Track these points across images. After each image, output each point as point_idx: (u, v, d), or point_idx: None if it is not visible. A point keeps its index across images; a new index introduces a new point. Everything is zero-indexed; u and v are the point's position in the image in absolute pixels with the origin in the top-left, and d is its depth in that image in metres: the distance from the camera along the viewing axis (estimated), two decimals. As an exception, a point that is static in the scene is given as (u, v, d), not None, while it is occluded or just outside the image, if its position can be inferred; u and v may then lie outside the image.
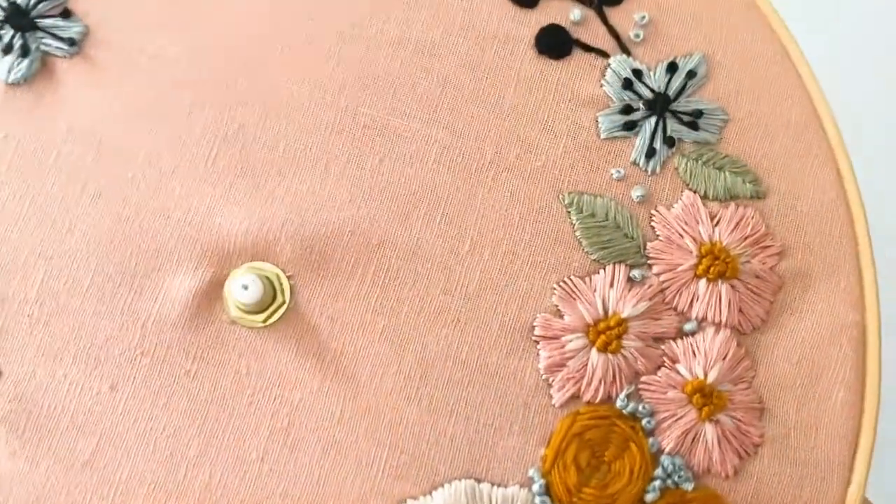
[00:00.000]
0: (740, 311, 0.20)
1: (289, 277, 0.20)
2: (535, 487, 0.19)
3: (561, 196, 0.20)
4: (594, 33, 0.22)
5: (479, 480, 0.19)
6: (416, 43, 0.21)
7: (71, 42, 0.20)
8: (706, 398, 0.19)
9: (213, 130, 0.20)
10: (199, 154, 0.20)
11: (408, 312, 0.20)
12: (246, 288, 0.18)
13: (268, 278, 0.19)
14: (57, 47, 0.20)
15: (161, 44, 0.20)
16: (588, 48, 0.21)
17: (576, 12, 0.21)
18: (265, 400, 0.19)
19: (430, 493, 0.19)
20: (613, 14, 0.22)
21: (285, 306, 0.19)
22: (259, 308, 0.19)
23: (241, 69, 0.21)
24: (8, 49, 0.20)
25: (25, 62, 0.20)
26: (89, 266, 0.19)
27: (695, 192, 0.21)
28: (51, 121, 0.20)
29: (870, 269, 0.21)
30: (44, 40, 0.20)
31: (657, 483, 0.19)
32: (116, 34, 0.20)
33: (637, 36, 0.21)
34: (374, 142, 0.20)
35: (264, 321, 0.19)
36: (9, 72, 0.20)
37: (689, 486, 0.19)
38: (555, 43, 0.21)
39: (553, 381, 0.19)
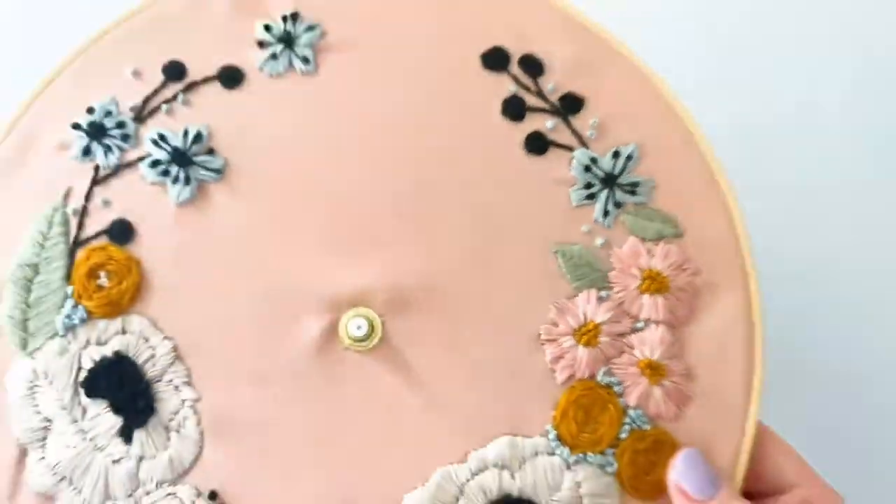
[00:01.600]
0: (671, 312, 0.32)
1: (381, 317, 0.31)
2: (551, 436, 0.30)
3: (551, 246, 0.32)
4: (563, 134, 0.33)
5: (515, 435, 0.30)
6: (447, 152, 0.32)
7: (217, 171, 0.31)
8: (653, 370, 0.31)
9: (324, 231, 0.31)
10: (318, 247, 0.31)
11: (461, 332, 0.31)
12: (359, 328, 0.29)
13: (368, 318, 0.30)
14: (207, 175, 0.31)
15: (281, 179, 0.31)
16: (559, 146, 0.33)
17: (549, 122, 0.33)
18: (373, 400, 0.30)
19: (486, 445, 0.30)
20: (574, 120, 0.33)
21: (378, 337, 0.31)
22: (364, 339, 0.30)
23: (323, 197, 0.32)
24: (175, 180, 0.31)
25: (188, 189, 0.31)
26: (252, 319, 0.30)
27: (636, 237, 0.32)
28: (208, 228, 0.31)
29: (752, 276, 0.33)
30: (199, 171, 0.31)
31: (626, 427, 0.31)
32: (247, 167, 0.31)
33: (591, 134, 0.33)
34: (425, 223, 0.32)
35: (368, 347, 0.30)
36: (178, 197, 0.31)
37: (647, 427, 0.31)
38: (538, 144, 0.33)
39: (556, 368, 0.31)
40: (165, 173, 0.31)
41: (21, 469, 0.30)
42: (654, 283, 0.32)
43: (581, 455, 0.31)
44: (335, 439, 0.30)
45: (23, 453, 0.30)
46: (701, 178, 0.33)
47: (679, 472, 0.30)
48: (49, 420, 0.30)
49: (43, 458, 0.30)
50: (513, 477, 0.30)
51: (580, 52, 0.34)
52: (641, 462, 0.31)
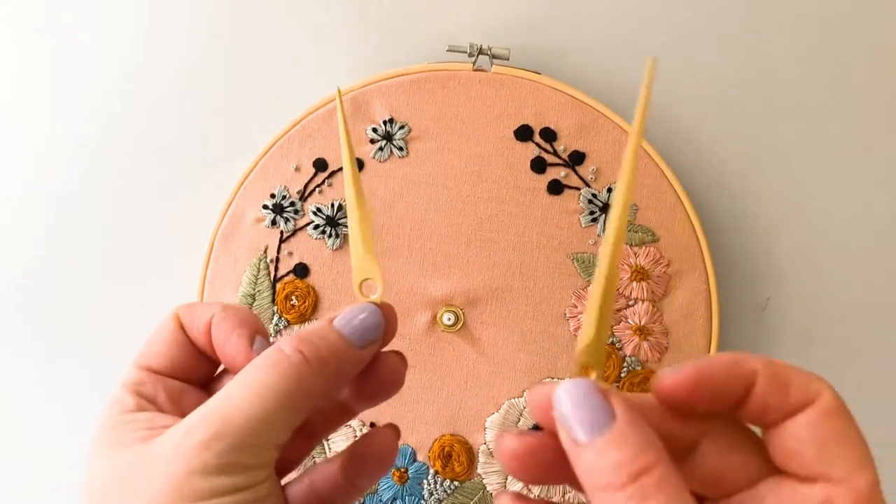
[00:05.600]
0: (652, 292, 0.51)
1: (462, 310, 0.52)
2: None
3: (569, 255, 0.52)
4: (573, 179, 0.53)
5: (553, 378, 0.51)
6: (496, 198, 0.52)
7: (354, 227, 0.53)
8: (641, 331, 0.51)
9: (423, 258, 0.52)
10: (421, 269, 0.52)
11: (513, 315, 0.51)
12: (449, 318, 0.50)
13: (454, 312, 0.51)
14: (348, 231, 0.53)
15: (394, 227, 0.53)
16: (571, 187, 0.52)
17: (563, 172, 0.52)
18: (461, 361, 0.51)
19: (534, 386, 0.51)
20: (580, 169, 0.53)
21: (461, 324, 0.52)
22: (452, 325, 0.51)
23: (420, 235, 0.53)
24: (329, 236, 0.52)
25: (338, 240, 0.53)
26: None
27: (626, 244, 0.52)
28: (352, 261, 0.53)
29: (709, 263, 0.51)
30: (343, 229, 0.53)
31: (625, 368, 0.51)
32: (373, 221, 0.53)
33: (592, 178, 0.52)
34: (485, 246, 0.52)
35: (455, 330, 0.52)
36: (332, 246, 0.53)
37: (638, 367, 0.51)
38: (556, 188, 0.52)
39: (577, 334, 0.51)
40: (323, 232, 0.53)
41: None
42: (640, 274, 0.51)
43: (596, 388, 0.51)
44: (440, 385, 0.52)
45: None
46: (669, 200, 0.52)
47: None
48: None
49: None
50: (553, 404, 0.51)
51: (580, 121, 0.53)
52: (636, 390, 0.51)
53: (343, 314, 0.30)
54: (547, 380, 0.52)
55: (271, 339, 0.32)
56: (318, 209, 0.54)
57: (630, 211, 0.52)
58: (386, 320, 0.30)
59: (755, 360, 0.26)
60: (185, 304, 0.32)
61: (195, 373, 0.32)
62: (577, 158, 0.53)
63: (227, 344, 0.30)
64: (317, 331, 0.29)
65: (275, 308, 0.53)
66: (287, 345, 0.28)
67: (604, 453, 0.23)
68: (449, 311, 0.52)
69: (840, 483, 0.24)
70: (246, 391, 0.26)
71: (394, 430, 0.32)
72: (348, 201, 0.31)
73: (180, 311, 0.31)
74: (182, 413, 0.29)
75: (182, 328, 0.31)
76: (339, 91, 0.37)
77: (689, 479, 0.27)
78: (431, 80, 0.55)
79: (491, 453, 0.52)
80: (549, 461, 0.26)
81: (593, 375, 0.27)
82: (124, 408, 0.30)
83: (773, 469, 0.26)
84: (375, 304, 0.30)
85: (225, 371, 0.33)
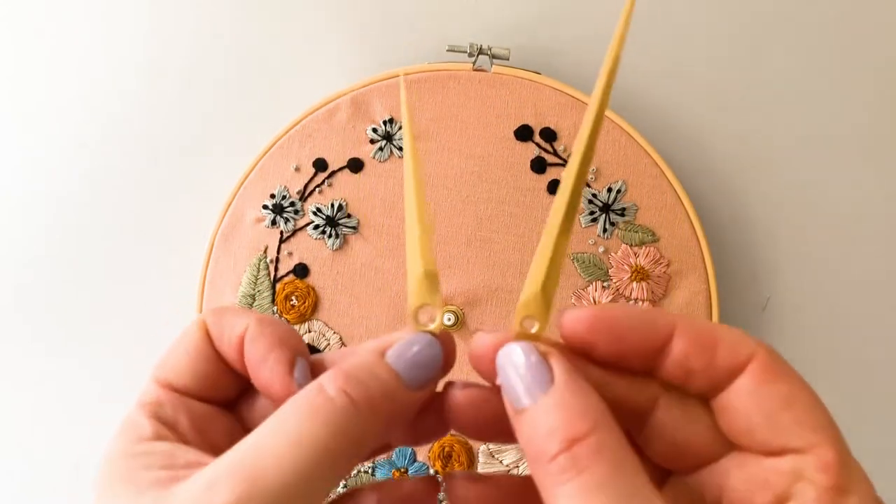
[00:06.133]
0: (652, 292, 0.51)
1: (461, 310, 0.52)
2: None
3: (569, 255, 0.52)
4: (572, 179, 0.53)
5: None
6: (496, 198, 0.53)
7: (354, 227, 0.53)
8: (641, 331, 0.51)
9: (418, 254, 0.52)
10: (415, 265, 0.52)
11: (513, 315, 0.51)
12: (449, 319, 0.51)
13: (454, 312, 0.52)
14: (348, 231, 0.53)
15: (392, 227, 0.53)
16: (570, 187, 0.53)
17: (563, 172, 0.52)
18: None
19: (534, 386, 0.51)
20: (580, 169, 0.53)
21: (461, 323, 0.52)
22: (452, 325, 0.51)
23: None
24: (329, 236, 0.53)
25: (337, 241, 0.53)
26: (382, 316, 0.52)
27: (626, 244, 0.52)
28: (351, 264, 0.53)
29: (709, 263, 0.52)
30: (343, 229, 0.53)
31: (625, 369, 0.51)
32: (370, 222, 0.53)
33: (592, 178, 0.52)
34: (485, 247, 0.52)
35: (455, 330, 0.52)
36: (332, 246, 0.53)
37: (638, 368, 0.51)
38: (556, 188, 0.52)
39: (576, 334, 0.51)
40: (323, 232, 0.53)
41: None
42: (639, 274, 0.52)
43: (596, 388, 0.51)
44: (440, 386, 0.52)
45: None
46: (669, 200, 0.52)
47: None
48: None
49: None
50: (552, 404, 0.51)
51: (579, 121, 0.53)
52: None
53: (396, 346, 0.25)
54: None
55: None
56: (318, 209, 0.54)
57: (630, 211, 0.53)
58: (445, 353, 0.26)
59: (673, 316, 0.24)
60: (213, 311, 0.27)
61: (223, 390, 0.27)
62: (577, 158, 0.54)
63: (263, 367, 0.25)
64: (366, 366, 0.24)
65: (274, 308, 0.54)
66: (331, 383, 0.23)
67: (539, 420, 0.21)
68: (449, 311, 0.53)
69: (806, 453, 0.22)
70: (280, 443, 0.22)
71: (432, 483, 0.28)
72: (408, 213, 0.27)
73: (208, 320, 0.27)
74: (207, 444, 0.25)
75: (209, 339, 0.27)
76: (402, 76, 0.33)
77: (646, 450, 0.25)
78: (431, 80, 0.55)
79: (491, 454, 0.52)
80: (493, 415, 0.25)
81: (535, 327, 0.25)
82: (140, 434, 0.25)
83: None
84: (434, 334, 0.26)
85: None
